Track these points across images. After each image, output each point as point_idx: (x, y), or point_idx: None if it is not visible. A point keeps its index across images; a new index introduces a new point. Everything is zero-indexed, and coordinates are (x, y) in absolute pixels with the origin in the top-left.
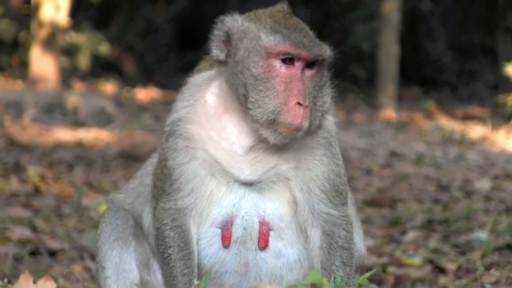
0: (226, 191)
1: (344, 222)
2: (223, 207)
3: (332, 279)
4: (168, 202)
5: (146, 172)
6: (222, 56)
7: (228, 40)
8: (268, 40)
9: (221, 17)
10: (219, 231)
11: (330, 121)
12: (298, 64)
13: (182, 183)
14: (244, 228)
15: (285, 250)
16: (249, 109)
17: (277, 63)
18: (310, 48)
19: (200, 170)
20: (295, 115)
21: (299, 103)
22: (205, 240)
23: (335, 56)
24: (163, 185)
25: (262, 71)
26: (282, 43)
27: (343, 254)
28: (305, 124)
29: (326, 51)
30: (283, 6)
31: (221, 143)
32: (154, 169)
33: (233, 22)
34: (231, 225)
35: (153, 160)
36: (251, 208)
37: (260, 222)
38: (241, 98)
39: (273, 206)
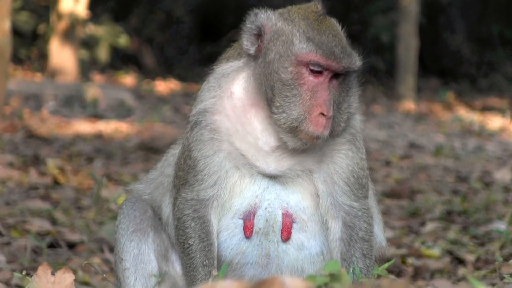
0: (249, 182)
1: (365, 215)
2: (245, 198)
3: (351, 271)
4: (191, 192)
5: (167, 163)
6: (252, 50)
7: (259, 34)
8: (300, 47)
9: (255, 10)
10: (241, 222)
11: (357, 119)
12: (326, 74)
13: (206, 174)
14: (267, 220)
15: (307, 243)
16: (273, 113)
17: (306, 71)
18: (341, 60)
19: (225, 162)
20: (317, 125)
21: (322, 114)
22: (227, 232)
23: (364, 64)
24: (186, 175)
25: (290, 78)
26: (313, 52)
27: (363, 246)
28: (326, 133)
29: (356, 62)
30: (318, 6)
31: (247, 136)
32: (176, 159)
33: (267, 19)
34: (254, 216)
35: (174, 151)
36: (274, 200)
37: (283, 214)
38: (267, 99)
39: (297, 199)
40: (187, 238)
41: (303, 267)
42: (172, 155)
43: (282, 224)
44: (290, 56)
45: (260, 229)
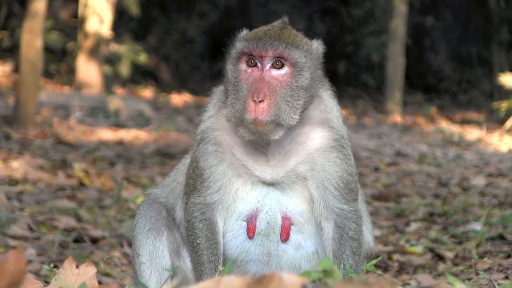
0: (251, 189)
1: (355, 216)
2: (248, 203)
3: (342, 267)
4: (198, 197)
5: (179, 172)
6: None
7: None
8: (238, 45)
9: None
10: (245, 224)
11: (338, 122)
12: (260, 65)
13: (211, 181)
14: (268, 222)
15: (304, 243)
16: (228, 112)
17: (244, 66)
18: (266, 47)
19: (228, 171)
20: (251, 111)
21: (254, 100)
22: (232, 233)
23: (313, 61)
24: (194, 183)
25: (234, 76)
26: (246, 45)
27: (353, 244)
28: (264, 118)
29: (291, 53)
30: (281, 20)
31: (247, 147)
32: (186, 169)
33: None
34: (256, 218)
35: (185, 161)
36: (274, 204)
37: (282, 217)
38: None
39: (294, 203)
40: (196, 238)
41: (300, 264)
42: (183, 164)
43: (281, 226)
44: (232, 56)
45: (262, 230)
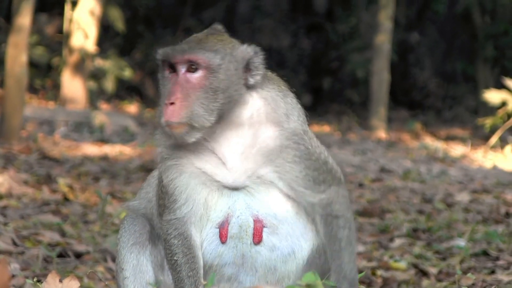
0: (219, 196)
1: (336, 199)
2: (218, 210)
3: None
4: (169, 214)
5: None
6: None
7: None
8: (157, 54)
9: None
10: (217, 230)
11: (287, 119)
12: (177, 71)
13: (177, 194)
14: (240, 226)
15: (279, 244)
16: None
17: (166, 74)
18: (177, 53)
19: (190, 180)
20: (165, 114)
21: (166, 103)
22: (206, 240)
23: (233, 63)
24: (164, 202)
25: (160, 84)
26: (162, 53)
27: (341, 223)
28: (175, 120)
29: (201, 56)
30: (212, 27)
31: (203, 154)
32: (155, 191)
33: None
34: (228, 223)
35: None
36: (245, 209)
37: (254, 220)
38: None
39: (266, 206)
40: (173, 255)
41: (275, 266)
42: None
43: (253, 229)
44: (159, 67)
45: (234, 234)
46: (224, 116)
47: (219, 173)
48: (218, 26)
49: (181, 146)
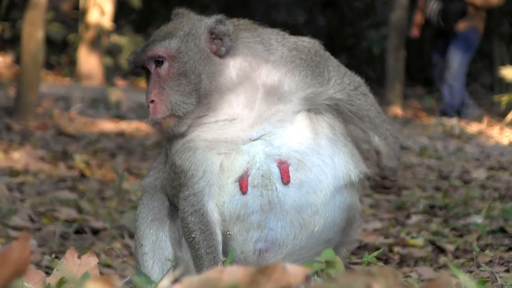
0: (235, 156)
1: (358, 89)
2: (238, 167)
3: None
4: (187, 190)
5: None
6: None
7: None
8: (128, 65)
9: None
10: (237, 183)
11: (274, 50)
12: (150, 70)
13: (193, 169)
14: (262, 175)
15: (305, 178)
16: None
17: (147, 76)
18: (137, 57)
19: (206, 153)
20: (150, 113)
21: (148, 103)
22: (228, 196)
23: (195, 40)
24: (179, 180)
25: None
26: (130, 62)
27: (367, 99)
28: (159, 116)
29: (157, 49)
30: (175, 12)
31: (212, 127)
32: (166, 178)
33: None
34: (247, 176)
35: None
36: (264, 159)
37: (278, 163)
38: None
39: (286, 145)
40: (190, 232)
41: (304, 203)
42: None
43: (280, 170)
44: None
45: (258, 183)
46: (209, 89)
47: (234, 133)
48: (180, 10)
49: (190, 128)
